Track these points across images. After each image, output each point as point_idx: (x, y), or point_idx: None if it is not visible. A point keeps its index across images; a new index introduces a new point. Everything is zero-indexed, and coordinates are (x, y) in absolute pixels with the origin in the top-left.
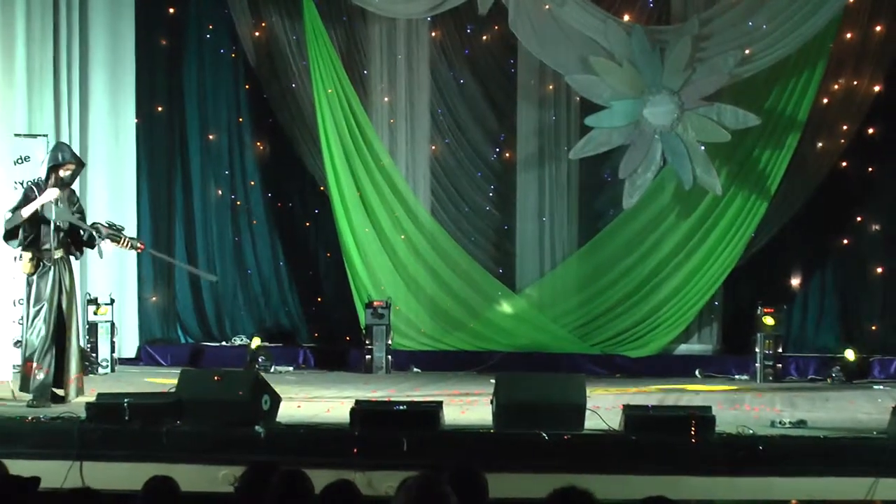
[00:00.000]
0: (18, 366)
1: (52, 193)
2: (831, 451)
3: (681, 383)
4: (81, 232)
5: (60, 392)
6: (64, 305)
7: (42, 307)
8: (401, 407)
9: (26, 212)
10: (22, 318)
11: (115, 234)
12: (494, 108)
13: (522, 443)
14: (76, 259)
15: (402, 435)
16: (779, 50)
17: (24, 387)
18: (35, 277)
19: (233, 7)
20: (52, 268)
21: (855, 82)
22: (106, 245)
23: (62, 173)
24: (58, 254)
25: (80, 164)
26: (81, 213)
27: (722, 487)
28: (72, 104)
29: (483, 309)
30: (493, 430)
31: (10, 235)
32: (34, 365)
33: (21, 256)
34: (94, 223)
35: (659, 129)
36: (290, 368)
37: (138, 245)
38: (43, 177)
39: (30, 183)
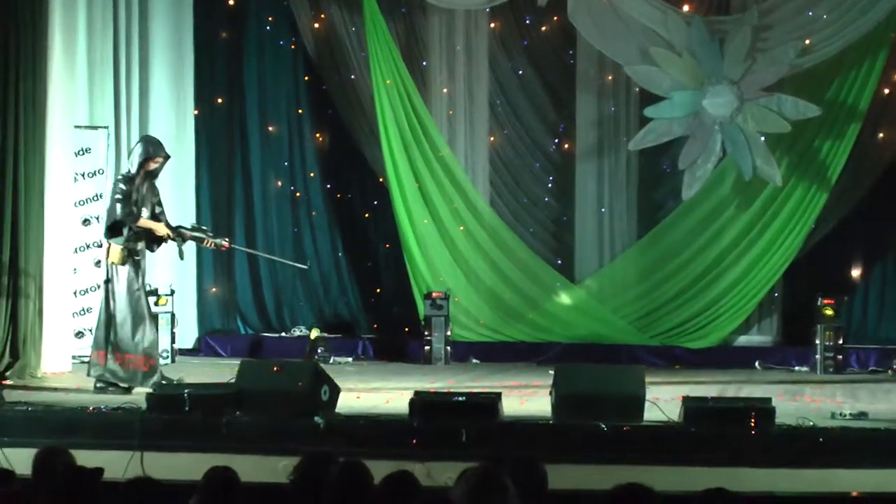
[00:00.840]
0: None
1: (162, 230)
2: (892, 443)
3: (741, 375)
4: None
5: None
6: (142, 296)
7: (136, 296)
8: (460, 398)
9: (143, 223)
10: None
11: (198, 236)
12: (553, 99)
13: (581, 434)
14: (151, 253)
15: (461, 426)
16: (839, 40)
17: (132, 379)
18: (120, 267)
19: None
20: (140, 259)
21: None
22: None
23: (152, 166)
24: (139, 245)
25: (166, 157)
26: (161, 205)
27: (782, 479)
28: (131, 96)
29: (542, 300)
30: (553, 421)
31: (114, 232)
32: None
33: (108, 244)
34: (178, 227)
35: (719, 119)
36: (350, 359)
37: (223, 244)
38: (133, 170)
39: (122, 176)
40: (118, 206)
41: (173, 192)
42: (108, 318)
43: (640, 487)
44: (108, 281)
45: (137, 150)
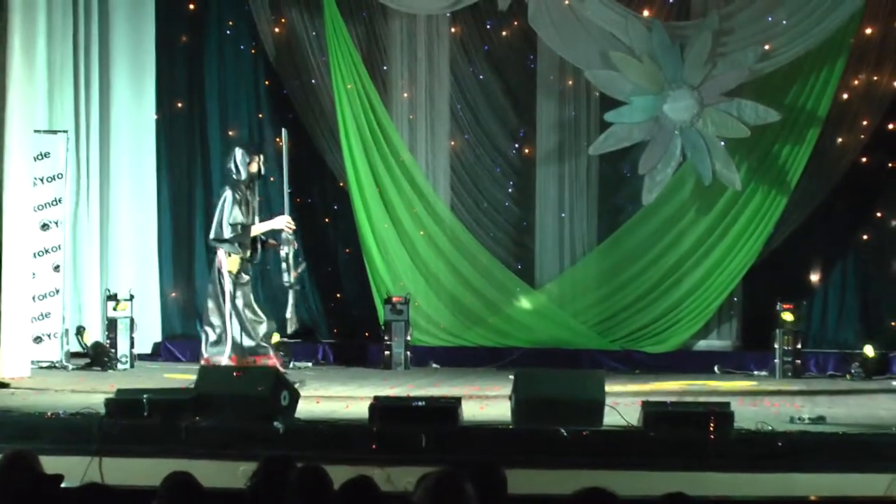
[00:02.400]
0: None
1: (281, 222)
2: (850, 447)
3: (700, 379)
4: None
5: None
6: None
7: (245, 303)
8: (419, 403)
9: (257, 230)
10: (213, 314)
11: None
12: (514, 103)
13: (541, 439)
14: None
15: (420, 431)
16: (799, 45)
17: None
18: (236, 276)
19: (253, 3)
20: (248, 267)
21: (875, 77)
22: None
23: (253, 168)
24: (248, 253)
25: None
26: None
27: (741, 483)
28: (91, 100)
29: (502, 304)
30: (512, 426)
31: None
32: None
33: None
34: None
35: (679, 124)
36: (310, 364)
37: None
38: (243, 176)
39: (229, 187)
40: (238, 213)
41: (133, 196)
42: (241, 324)
43: (603, 491)
44: (222, 289)
45: (237, 156)
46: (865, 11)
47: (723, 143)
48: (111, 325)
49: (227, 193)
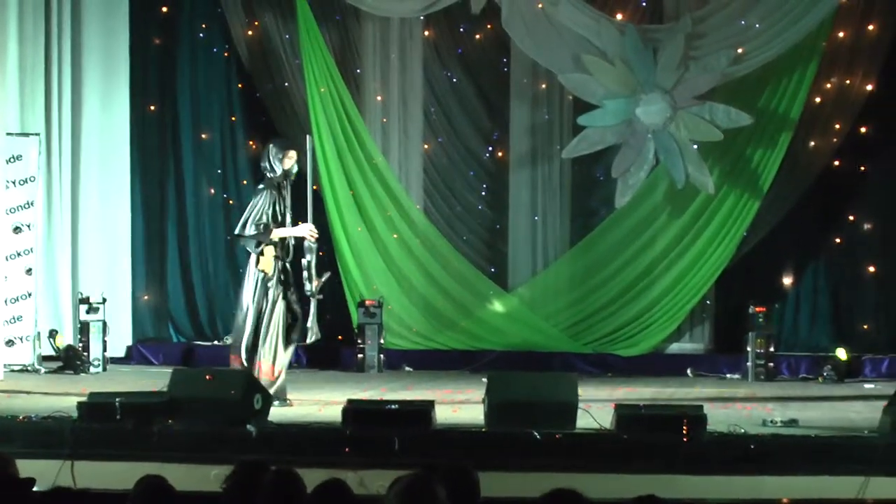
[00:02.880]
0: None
1: (304, 230)
2: (822, 450)
3: (673, 382)
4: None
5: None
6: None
7: (277, 307)
8: (393, 406)
9: (279, 233)
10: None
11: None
12: (487, 106)
13: (514, 442)
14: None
15: (393, 434)
16: (772, 49)
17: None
18: (268, 277)
19: (226, 6)
20: (282, 268)
21: (847, 81)
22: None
23: (286, 164)
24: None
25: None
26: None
27: (713, 486)
28: (63, 103)
29: (475, 308)
30: (485, 429)
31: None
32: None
33: (262, 252)
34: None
35: (651, 127)
36: None
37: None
38: (277, 172)
39: (264, 185)
40: (266, 213)
41: (105, 199)
42: (255, 326)
43: (570, 492)
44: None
45: (270, 153)
46: (837, 15)
47: (695, 147)
48: (83, 328)
49: (261, 191)
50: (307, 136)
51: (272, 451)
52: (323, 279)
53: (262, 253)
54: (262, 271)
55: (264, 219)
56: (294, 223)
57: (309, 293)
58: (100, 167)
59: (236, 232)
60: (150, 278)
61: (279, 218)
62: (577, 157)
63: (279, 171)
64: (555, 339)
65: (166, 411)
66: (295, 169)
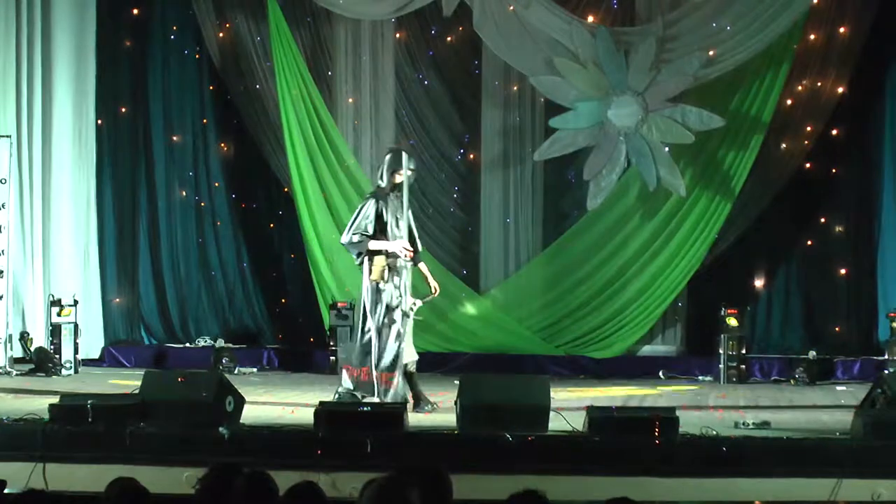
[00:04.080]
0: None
1: (398, 245)
2: (795, 452)
3: (645, 385)
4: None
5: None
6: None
7: (394, 315)
8: (365, 408)
9: (374, 245)
10: (365, 326)
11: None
12: (459, 109)
13: (487, 444)
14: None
15: (366, 436)
16: (743, 51)
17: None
18: (381, 284)
19: (197, 8)
20: (397, 275)
21: (819, 84)
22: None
23: (396, 178)
24: (399, 261)
25: (413, 172)
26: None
27: (686, 489)
28: (34, 105)
29: (448, 310)
30: (458, 431)
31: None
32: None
33: (372, 260)
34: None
35: (623, 130)
36: (255, 370)
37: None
38: (384, 182)
39: (371, 194)
40: (368, 222)
41: (76, 202)
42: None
43: (533, 493)
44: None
45: (386, 160)
46: (809, 18)
47: (667, 149)
48: (55, 330)
49: (367, 199)
50: (402, 153)
51: (244, 453)
52: (426, 300)
53: (372, 262)
54: (374, 281)
55: (362, 227)
56: (409, 234)
57: (402, 313)
58: (71, 169)
59: (341, 240)
60: (121, 281)
61: (385, 227)
62: (549, 159)
63: (385, 182)
64: (527, 342)
65: (138, 413)
66: (407, 184)
